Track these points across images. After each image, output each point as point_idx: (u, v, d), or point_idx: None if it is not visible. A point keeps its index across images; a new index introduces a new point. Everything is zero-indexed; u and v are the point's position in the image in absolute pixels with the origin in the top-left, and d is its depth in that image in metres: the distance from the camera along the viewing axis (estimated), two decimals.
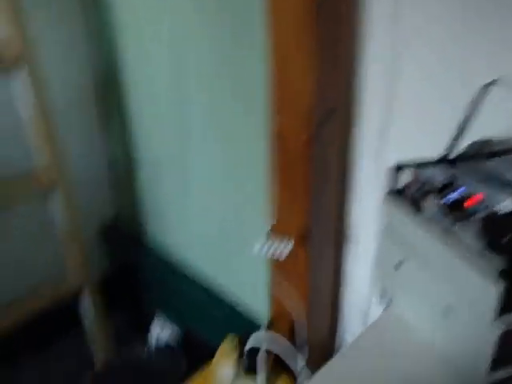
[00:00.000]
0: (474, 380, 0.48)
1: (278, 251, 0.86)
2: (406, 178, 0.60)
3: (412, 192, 0.59)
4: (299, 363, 0.92)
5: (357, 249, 0.98)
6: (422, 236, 0.54)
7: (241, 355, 0.94)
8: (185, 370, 1.26)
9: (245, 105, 1.01)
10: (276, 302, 1.04)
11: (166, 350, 1.36)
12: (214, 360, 1.01)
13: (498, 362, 0.46)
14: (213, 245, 1.24)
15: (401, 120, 0.81)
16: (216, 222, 1.20)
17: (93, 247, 1.49)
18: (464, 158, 0.60)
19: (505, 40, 0.63)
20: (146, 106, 1.27)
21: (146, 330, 1.46)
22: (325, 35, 0.77)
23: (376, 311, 1.00)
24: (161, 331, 1.41)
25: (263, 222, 1.02)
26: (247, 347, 0.93)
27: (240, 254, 1.16)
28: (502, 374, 0.47)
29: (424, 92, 0.75)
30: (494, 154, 0.59)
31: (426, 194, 0.58)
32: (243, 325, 1.16)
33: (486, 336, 0.45)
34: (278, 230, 0.89)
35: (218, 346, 1.01)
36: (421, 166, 0.59)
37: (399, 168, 0.60)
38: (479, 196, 0.55)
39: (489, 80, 0.63)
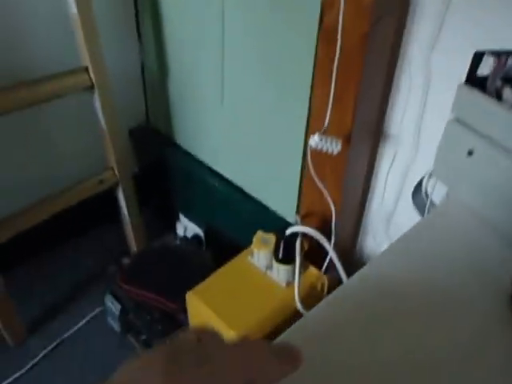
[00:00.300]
0: None
1: (330, 149, 0.87)
2: (485, 66, 0.60)
3: (492, 80, 0.59)
4: (329, 249, 0.98)
5: (393, 154, 1.00)
6: (504, 122, 0.56)
7: (276, 246, 0.99)
8: (211, 260, 1.32)
9: None
10: (309, 200, 1.08)
11: (192, 241, 1.42)
12: (247, 251, 1.06)
13: None
14: (245, 150, 1.25)
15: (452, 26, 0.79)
16: (252, 129, 1.19)
17: (127, 146, 1.53)
18: None
19: None
20: (180, 8, 1.22)
21: (174, 225, 1.52)
22: None
23: (400, 218, 1.05)
24: (187, 226, 1.46)
25: (300, 128, 1.03)
26: (285, 236, 0.98)
27: (274, 159, 1.17)
28: None
29: None
30: None
31: (506, 83, 0.59)
32: (271, 224, 1.20)
33: None
34: (327, 129, 0.90)
35: (243, 245, 1.07)
36: (502, 54, 0.58)
37: (479, 55, 0.59)
38: None
39: None
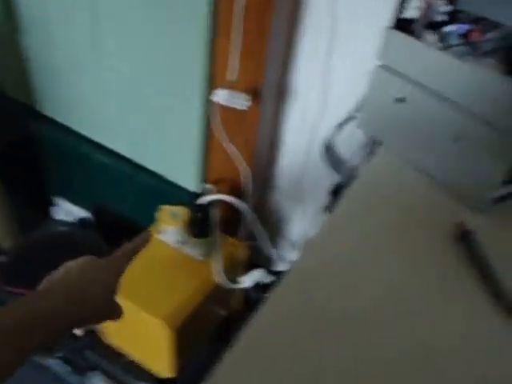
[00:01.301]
0: (478, 199, 0.53)
1: (237, 104, 0.80)
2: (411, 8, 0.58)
3: (418, 23, 0.57)
4: (246, 212, 0.93)
5: (295, 105, 0.97)
6: (434, 67, 0.54)
7: (188, 220, 0.91)
8: (102, 243, 1.18)
9: None
10: (218, 164, 1.00)
11: (78, 225, 1.25)
12: (153, 228, 0.95)
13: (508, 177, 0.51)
14: (133, 113, 1.09)
15: None
16: (138, 86, 1.04)
17: None
18: None
19: None
20: None
21: (49, 211, 1.31)
22: None
23: (312, 174, 1.04)
24: (70, 210, 1.27)
25: (198, 83, 0.93)
26: (200, 204, 0.89)
27: (169, 123, 1.05)
28: (504, 190, 0.53)
29: None
30: None
31: (432, 26, 0.57)
32: (173, 197, 1.10)
33: (504, 150, 0.49)
34: (235, 84, 0.82)
35: (143, 224, 0.96)
36: None
37: None
38: (479, 30, 0.57)
39: None
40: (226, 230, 0.97)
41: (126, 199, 1.21)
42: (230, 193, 0.96)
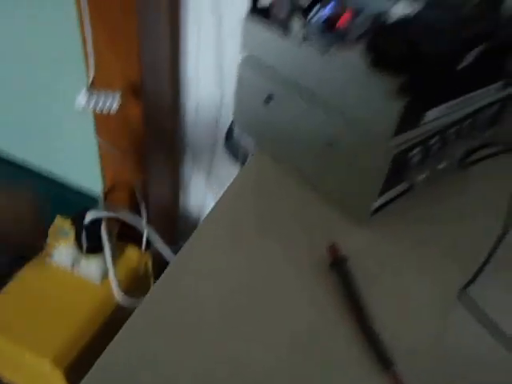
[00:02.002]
0: (357, 210, 0.47)
1: (107, 105, 0.69)
2: None
3: (277, 11, 0.49)
4: (144, 227, 0.84)
5: (196, 101, 0.87)
6: (297, 61, 0.46)
7: (78, 236, 0.81)
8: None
9: None
10: (111, 171, 0.90)
11: None
12: (47, 245, 0.85)
13: (385, 185, 0.44)
14: (14, 119, 0.98)
15: None
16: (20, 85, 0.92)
17: None
18: None
19: None
20: None
21: None
22: None
23: (220, 169, 0.95)
24: None
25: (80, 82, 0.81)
26: (86, 222, 0.79)
27: (56, 126, 0.94)
28: (384, 198, 0.47)
29: None
30: None
31: (293, 13, 0.49)
32: (71, 205, 0.99)
33: (379, 158, 0.42)
34: (101, 82, 0.72)
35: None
36: None
37: None
38: (349, 13, 0.48)
39: None
40: (129, 239, 0.88)
41: None
42: (128, 200, 0.87)
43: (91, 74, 0.69)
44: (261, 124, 0.54)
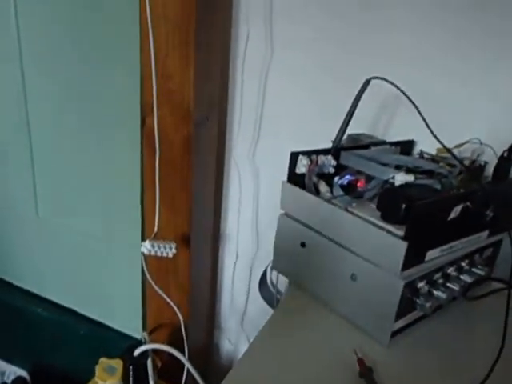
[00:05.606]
0: (378, 333, 0.56)
1: (164, 253, 0.84)
2: (301, 166, 0.66)
3: (308, 177, 0.65)
4: (185, 364, 0.91)
5: (235, 251, 1.02)
6: (325, 214, 0.61)
7: (125, 372, 0.88)
8: None
9: (114, 109, 0.96)
10: (155, 312, 1.01)
11: None
12: None
13: (400, 311, 0.54)
14: (68, 269, 1.12)
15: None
16: (79, 240, 1.09)
17: None
18: (347, 147, 0.69)
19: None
20: None
21: None
22: (202, 39, 0.80)
23: (252, 312, 1.05)
24: (5, 371, 1.20)
25: (135, 234, 0.98)
26: (134, 359, 0.87)
27: (105, 276, 1.08)
28: (401, 322, 0.56)
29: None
30: (367, 146, 0.70)
31: (320, 178, 0.65)
32: (116, 347, 1.07)
33: (392, 289, 0.53)
34: (161, 233, 0.87)
35: (82, 378, 0.93)
36: (313, 153, 0.65)
37: (295, 156, 0.65)
38: (363, 179, 0.65)
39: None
40: (168, 377, 0.94)
41: (67, 353, 1.16)
42: (169, 340, 0.95)
43: (155, 229, 0.85)
44: (295, 266, 0.67)
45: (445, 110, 0.73)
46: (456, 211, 0.55)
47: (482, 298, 0.64)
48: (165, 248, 0.84)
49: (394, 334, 0.56)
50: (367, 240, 0.55)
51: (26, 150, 1.06)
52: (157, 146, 0.82)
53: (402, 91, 0.59)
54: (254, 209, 0.95)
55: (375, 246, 0.54)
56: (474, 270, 0.62)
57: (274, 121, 0.88)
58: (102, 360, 0.91)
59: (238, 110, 0.91)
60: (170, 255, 0.84)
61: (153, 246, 0.83)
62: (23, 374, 1.19)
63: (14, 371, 1.20)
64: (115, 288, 1.08)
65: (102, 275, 1.09)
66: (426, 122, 0.58)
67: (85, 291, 1.13)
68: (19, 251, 1.17)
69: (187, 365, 0.90)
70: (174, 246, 0.85)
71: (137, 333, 1.08)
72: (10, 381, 1.19)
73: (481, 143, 0.68)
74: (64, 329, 1.13)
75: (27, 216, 1.12)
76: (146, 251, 0.83)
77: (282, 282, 0.85)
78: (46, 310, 1.13)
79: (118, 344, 1.08)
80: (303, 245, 0.64)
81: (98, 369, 0.90)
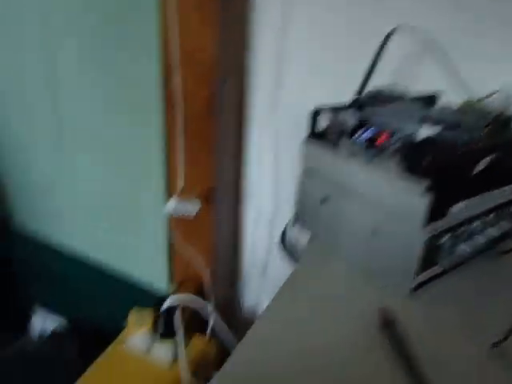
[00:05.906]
0: (400, 286, 0.57)
1: (188, 211, 0.86)
2: (322, 122, 0.65)
3: (330, 133, 0.64)
4: (210, 313, 0.95)
5: (253, 207, 1.03)
6: (346, 170, 0.60)
7: (155, 322, 0.92)
8: (75, 357, 1.17)
9: (134, 68, 0.96)
10: (181, 265, 1.04)
11: (53, 338, 1.24)
12: (124, 333, 0.96)
13: (423, 264, 0.54)
14: (100, 226, 1.16)
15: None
16: (104, 201, 1.12)
17: None
18: (368, 102, 0.67)
19: None
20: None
21: (25, 324, 1.31)
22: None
23: (274, 268, 1.07)
24: (43, 323, 1.28)
25: (159, 192, 1.00)
26: (163, 309, 0.91)
27: (133, 232, 1.11)
28: (425, 275, 0.56)
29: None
30: (391, 100, 0.68)
31: (342, 135, 0.64)
32: (144, 299, 1.12)
33: (414, 243, 0.53)
34: (185, 191, 0.89)
35: (115, 327, 0.98)
36: (335, 110, 0.64)
37: (317, 112, 0.65)
38: (387, 133, 0.63)
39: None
40: (193, 329, 0.98)
41: (100, 304, 1.23)
42: (195, 292, 0.99)
43: (180, 185, 0.86)
44: (316, 222, 0.67)
45: (471, 62, 0.69)
46: (483, 164, 0.54)
47: (509, 252, 0.63)
48: (190, 205, 0.86)
49: (416, 288, 0.56)
50: (389, 194, 0.55)
51: (52, 107, 1.07)
52: (180, 105, 0.82)
53: (430, 40, 0.56)
54: (274, 167, 0.95)
55: (397, 200, 0.54)
56: (500, 223, 0.61)
57: (295, 79, 0.86)
58: (133, 312, 0.96)
59: (257, 68, 0.89)
60: (194, 212, 0.86)
61: (179, 203, 0.84)
62: (62, 324, 1.26)
63: (55, 319, 1.28)
64: (144, 245, 1.12)
65: (130, 233, 1.13)
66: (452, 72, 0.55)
67: (114, 246, 1.17)
68: (59, 212, 1.22)
69: (213, 315, 0.94)
70: (198, 202, 0.86)
71: (165, 286, 1.12)
72: (51, 327, 1.28)
73: (508, 95, 0.66)
74: (99, 282, 1.19)
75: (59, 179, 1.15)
76: (171, 210, 0.85)
77: (303, 238, 0.87)
78: (77, 263, 1.19)
79: (148, 297, 1.13)
80: (324, 200, 0.64)
81: (129, 319, 0.95)
